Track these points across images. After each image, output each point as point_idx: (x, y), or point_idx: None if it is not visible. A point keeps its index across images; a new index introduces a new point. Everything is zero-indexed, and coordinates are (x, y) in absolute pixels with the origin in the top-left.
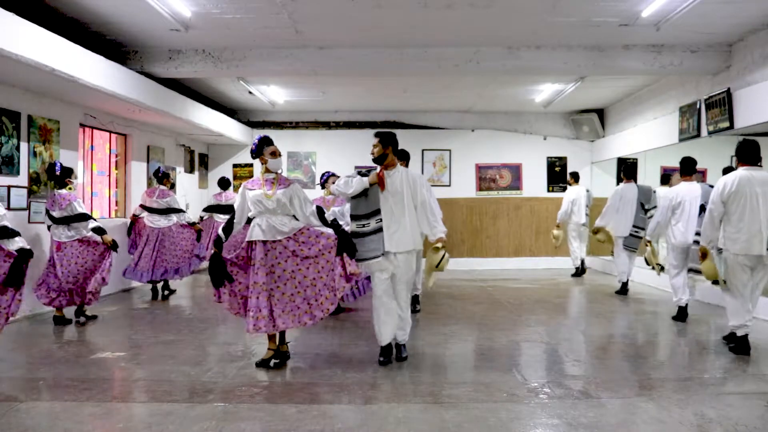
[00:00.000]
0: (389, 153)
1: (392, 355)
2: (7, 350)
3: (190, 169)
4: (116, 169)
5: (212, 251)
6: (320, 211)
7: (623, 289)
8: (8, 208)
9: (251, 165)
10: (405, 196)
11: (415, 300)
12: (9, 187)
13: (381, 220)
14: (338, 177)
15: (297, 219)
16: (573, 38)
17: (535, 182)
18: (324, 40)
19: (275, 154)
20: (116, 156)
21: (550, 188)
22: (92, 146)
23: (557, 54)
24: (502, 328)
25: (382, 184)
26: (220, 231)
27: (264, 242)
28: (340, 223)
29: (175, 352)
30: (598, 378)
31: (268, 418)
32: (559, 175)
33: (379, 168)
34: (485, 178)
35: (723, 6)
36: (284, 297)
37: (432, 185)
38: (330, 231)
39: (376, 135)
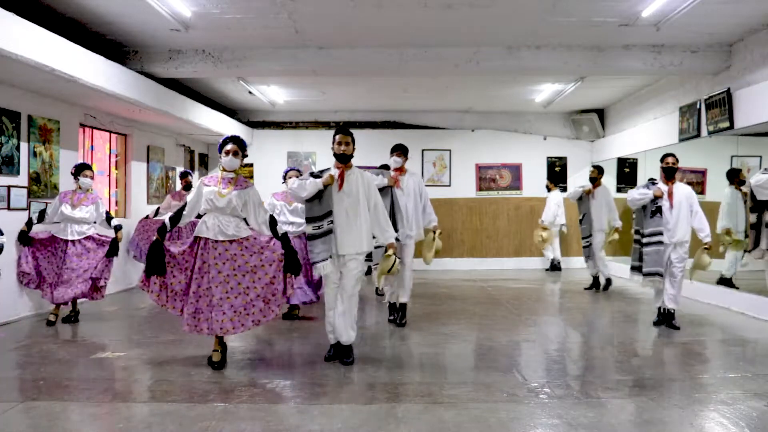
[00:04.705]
0: (353, 154)
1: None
2: (8, 350)
3: (190, 169)
4: (116, 169)
5: (155, 238)
6: (273, 222)
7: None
8: (8, 208)
9: (251, 165)
10: (360, 197)
11: (402, 309)
12: (9, 187)
13: (332, 221)
14: (298, 172)
15: (247, 223)
16: (573, 38)
17: (535, 182)
18: (324, 40)
19: (229, 152)
20: (116, 156)
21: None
22: (92, 146)
23: (557, 54)
24: (502, 328)
25: (341, 183)
26: (166, 219)
27: (206, 240)
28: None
29: (175, 352)
30: (598, 378)
31: (268, 418)
32: (559, 175)
33: (336, 167)
34: (485, 178)
35: (723, 6)
36: (213, 300)
37: (432, 185)
38: (277, 245)
39: (347, 133)
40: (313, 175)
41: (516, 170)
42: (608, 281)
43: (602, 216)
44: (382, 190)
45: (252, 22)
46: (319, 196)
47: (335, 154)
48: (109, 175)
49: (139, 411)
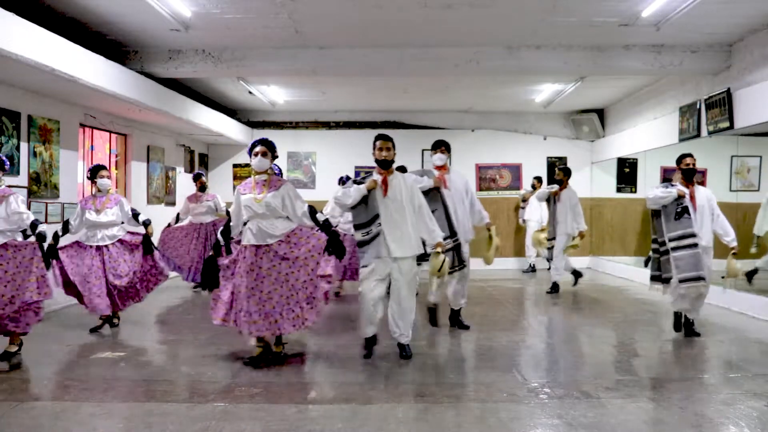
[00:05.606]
0: (394, 159)
1: (374, 347)
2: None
3: (190, 169)
4: (116, 169)
5: (210, 254)
6: (312, 211)
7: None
8: None
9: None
10: (404, 201)
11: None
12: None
13: (380, 224)
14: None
15: (290, 220)
16: (573, 38)
17: None
18: (324, 40)
19: (257, 154)
20: (116, 156)
21: None
22: (92, 146)
23: (557, 54)
24: (502, 328)
25: (385, 188)
26: (219, 235)
27: (256, 247)
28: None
29: (175, 352)
30: (598, 378)
31: (268, 418)
32: None
33: (378, 173)
34: (485, 178)
35: (723, 6)
36: (282, 300)
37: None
38: (322, 234)
39: (388, 138)
40: (355, 182)
41: (516, 170)
42: (555, 285)
43: (567, 219)
44: (429, 192)
45: (252, 22)
46: (364, 202)
47: (377, 160)
48: (109, 176)
49: (139, 411)
